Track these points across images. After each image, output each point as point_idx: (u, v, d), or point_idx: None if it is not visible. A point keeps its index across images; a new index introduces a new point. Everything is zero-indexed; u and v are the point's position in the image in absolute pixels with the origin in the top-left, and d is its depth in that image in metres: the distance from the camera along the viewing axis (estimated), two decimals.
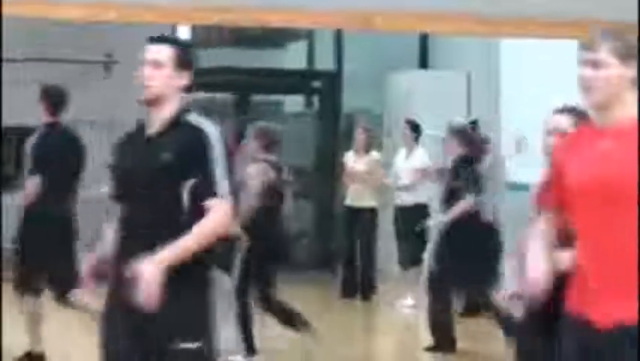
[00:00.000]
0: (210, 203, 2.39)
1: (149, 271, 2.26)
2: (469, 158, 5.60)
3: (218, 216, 2.44)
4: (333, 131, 8.71)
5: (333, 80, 9.37)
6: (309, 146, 9.14)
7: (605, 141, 2.11)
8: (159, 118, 2.56)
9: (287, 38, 9.51)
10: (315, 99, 9.87)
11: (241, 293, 5.06)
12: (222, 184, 2.44)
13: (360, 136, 7.24)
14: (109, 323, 2.52)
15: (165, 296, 2.31)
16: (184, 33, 7.99)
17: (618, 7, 4.38)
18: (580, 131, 2.47)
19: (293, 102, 10.04)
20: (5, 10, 4.32)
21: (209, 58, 8.58)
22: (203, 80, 9.01)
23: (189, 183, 2.42)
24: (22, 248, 4.86)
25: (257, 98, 9.71)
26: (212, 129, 2.54)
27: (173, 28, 7.15)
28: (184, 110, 2.60)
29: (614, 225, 2.06)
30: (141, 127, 2.65)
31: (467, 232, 5.51)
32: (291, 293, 5.99)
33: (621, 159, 2.09)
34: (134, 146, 2.63)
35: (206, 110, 6.79)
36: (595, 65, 2.10)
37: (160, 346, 2.40)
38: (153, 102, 2.56)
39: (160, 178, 2.47)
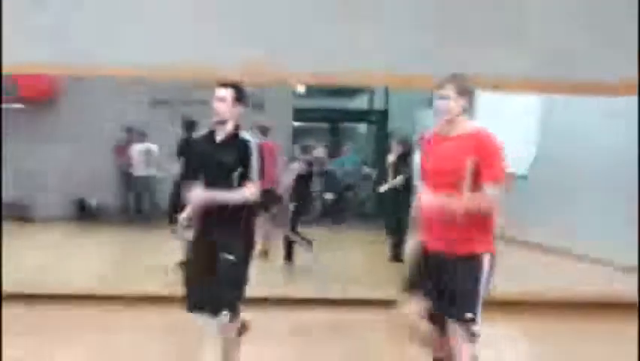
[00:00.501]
0: (247, 184, 3.83)
1: (200, 195, 3.85)
2: (405, 154, 8.37)
3: (249, 191, 3.83)
4: (383, 143, 12.08)
5: (383, 115, 13.24)
6: (371, 151, 13.62)
7: (447, 143, 3.29)
8: (224, 132, 3.89)
9: (357, 90, 13.49)
10: (374, 126, 13.89)
11: (292, 228, 7.88)
12: (254, 174, 3.83)
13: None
14: (194, 244, 4.00)
15: (223, 230, 3.81)
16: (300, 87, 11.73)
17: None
18: (435, 135, 3.44)
19: (362, 127, 14.81)
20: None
21: (314, 101, 13.09)
22: (311, 115, 14.07)
23: (238, 172, 3.84)
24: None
25: (342, 125, 14.69)
26: (253, 141, 3.90)
27: None
28: (238, 128, 3.90)
29: (450, 190, 3.19)
30: (211, 134, 3.97)
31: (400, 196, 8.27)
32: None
33: (454, 153, 3.24)
34: (208, 146, 3.96)
35: (312, 133, 10.99)
36: (441, 97, 3.28)
37: (217, 255, 3.82)
38: (220, 123, 3.88)
39: (224, 168, 3.84)
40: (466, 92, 3.31)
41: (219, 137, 3.93)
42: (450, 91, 3.28)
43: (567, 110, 9.25)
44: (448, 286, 3.26)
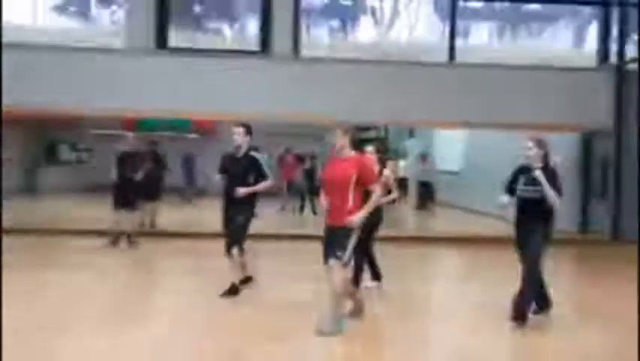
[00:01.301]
0: (262, 180, 7.08)
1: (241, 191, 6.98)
2: None
3: (265, 185, 7.11)
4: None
5: (384, 141, 24.33)
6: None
7: (339, 162, 5.88)
8: (240, 152, 7.17)
9: (370, 127, 24.26)
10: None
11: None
12: (266, 175, 7.12)
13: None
14: (225, 212, 7.32)
15: (240, 205, 7.05)
16: None
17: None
18: (333, 157, 5.90)
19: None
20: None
21: None
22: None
23: (254, 174, 7.07)
24: None
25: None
26: (259, 156, 7.24)
27: None
28: (250, 149, 7.19)
29: (337, 192, 5.85)
30: (234, 153, 7.23)
31: None
32: None
33: (343, 168, 5.81)
34: (233, 160, 7.21)
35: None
36: (336, 138, 5.84)
37: (235, 217, 7.11)
38: (237, 148, 7.19)
39: (244, 173, 7.06)
40: (346, 132, 5.89)
41: (238, 155, 7.24)
42: (338, 131, 5.91)
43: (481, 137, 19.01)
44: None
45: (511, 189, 6.52)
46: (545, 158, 6.47)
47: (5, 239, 11.18)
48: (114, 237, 11.11)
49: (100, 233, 11.49)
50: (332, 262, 5.83)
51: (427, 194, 20.22)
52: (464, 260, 11.77)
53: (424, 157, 20.74)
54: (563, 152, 14.91)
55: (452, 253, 12.46)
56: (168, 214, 14.28)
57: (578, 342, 6.20)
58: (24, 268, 8.99)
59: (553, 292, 6.86)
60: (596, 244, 13.13)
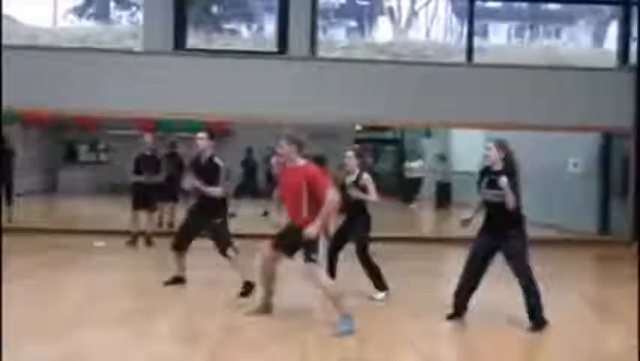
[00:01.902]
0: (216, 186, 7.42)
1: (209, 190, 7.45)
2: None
3: (212, 190, 7.43)
4: (402, 156, 23.33)
5: (400, 142, 24.39)
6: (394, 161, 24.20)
7: (293, 171, 6.15)
8: (204, 157, 7.68)
9: (386, 128, 24.36)
10: (393, 146, 25.01)
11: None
12: (218, 183, 7.45)
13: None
14: (190, 212, 7.83)
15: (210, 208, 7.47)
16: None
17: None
18: (286, 165, 6.20)
19: (390, 149, 25.36)
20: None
21: (365, 134, 23.49)
22: (363, 141, 24.76)
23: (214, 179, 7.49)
24: None
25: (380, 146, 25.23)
26: (220, 162, 7.57)
27: None
28: (212, 155, 7.65)
29: (293, 199, 6.14)
30: (198, 158, 7.68)
31: None
32: None
33: (293, 177, 6.10)
34: (198, 165, 7.67)
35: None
36: (281, 148, 6.16)
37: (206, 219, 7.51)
38: (200, 153, 7.75)
39: (206, 177, 7.48)
40: (296, 143, 6.09)
41: (202, 160, 7.63)
42: (284, 142, 6.11)
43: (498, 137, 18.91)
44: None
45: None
46: (506, 160, 6.37)
47: (24, 239, 11.32)
48: (132, 237, 11.20)
49: (119, 233, 11.58)
50: (308, 267, 6.06)
51: (445, 194, 20.20)
52: None
53: (442, 157, 20.69)
54: (583, 152, 14.85)
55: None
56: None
57: (597, 343, 6.16)
58: (42, 268, 9.08)
59: (572, 292, 6.83)
60: (616, 245, 13.01)
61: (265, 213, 14.54)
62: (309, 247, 6.04)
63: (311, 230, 5.92)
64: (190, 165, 7.92)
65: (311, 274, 6.10)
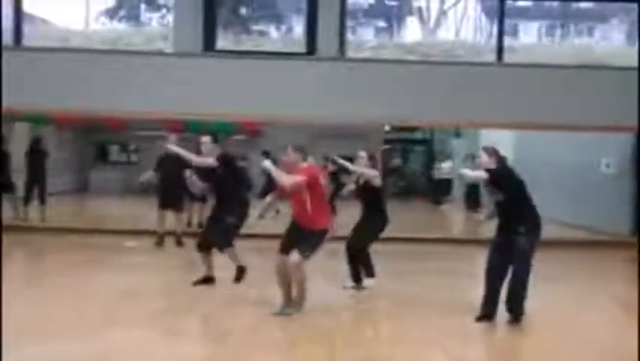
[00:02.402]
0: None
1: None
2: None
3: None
4: (431, 156, 23.31)
5: (430, 142, 24.35)
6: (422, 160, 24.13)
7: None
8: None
9: (416, 128, 24.36)
10: (423, 147, 25.02)
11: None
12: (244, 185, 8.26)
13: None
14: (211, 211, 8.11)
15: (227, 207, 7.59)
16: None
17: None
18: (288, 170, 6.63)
19: (420, 149, 25.25)
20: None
21: (394, 134, 23.58)
22: (392, 141, 24.85)
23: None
24: None
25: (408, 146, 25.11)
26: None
27: None
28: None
29: (297, 199, 6.59)
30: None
31: None
32: None
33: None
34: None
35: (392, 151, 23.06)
36: (288, 156, 6.72)
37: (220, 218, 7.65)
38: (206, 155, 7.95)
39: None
40: (299, 151, 6.65)
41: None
42: (290, 149, 6.70)
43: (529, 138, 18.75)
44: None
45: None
46: (497, 162, 6.63)
47: (56, 238, 11.48)
48: (159, 237, 11.24)
49: (149, 233, 11.67)
50: (298, 259, 6.40)
51: (474, 195, 20.03)
52: None
53: (474, 158, 20.50)
54: (615, 153, 14.63)
55: None
56: None
57: (626, 345, 6.07)
58: (74, 267, 9.20)
59: (603, 294, 6.70)
60: None
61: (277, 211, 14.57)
62: (304, 245, 6.42)
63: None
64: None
65: (297, 267, 6.42)
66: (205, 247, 7.87)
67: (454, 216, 19.84)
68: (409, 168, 26.25)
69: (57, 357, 5.33)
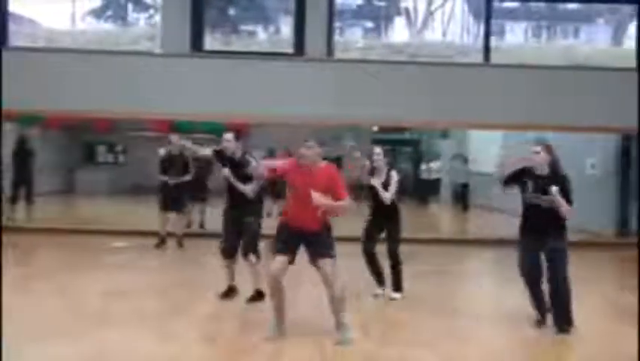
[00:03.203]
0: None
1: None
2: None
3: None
4: (419, 157, 23.35)
5: (417, 142, 24.40)
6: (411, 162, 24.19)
7: (314, 172, 5.72)
8: (236, 156, 7.40)
9: (404, 128, 24.43)
10: (410, 147, 24.99)
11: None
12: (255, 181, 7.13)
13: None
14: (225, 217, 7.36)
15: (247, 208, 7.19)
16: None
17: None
18: (297, 163, 5.79)
19: (407, 150, 25.29)
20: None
21: (382, 135, 23.60)
22: (381, 142, 24.76)
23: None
24: None
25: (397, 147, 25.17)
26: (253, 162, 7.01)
27: None
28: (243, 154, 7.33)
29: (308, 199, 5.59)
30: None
31: None
32: None
33: (315, 178, 5.67)
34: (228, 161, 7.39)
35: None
36: (308, 148, 5.71)
37: (242, 220, 7.26)
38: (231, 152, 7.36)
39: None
40: (321, 145, 5.85)
41: (235, 158, 7.34)
42: (312, 143, 5.81)
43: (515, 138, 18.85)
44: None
45: (511, 182, 6.42)
46: (554, 164, 6.19)
47: (43, 239, 11.42)
48: (160, 239, 11.18)
49: (136, 233, 11.63)
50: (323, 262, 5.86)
51: (462, 195, 20.15)
52: (501, 261, 11.66)
53: (463, 158, 20.60)
54: (601, 153, 14.74)
55: (490, 254, 12.36)
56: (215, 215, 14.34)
57: (619, 344, 6.12)
58: (62, 268, 9.16)
59: (592, 295, 6.73)
60: (634, 247, 12.87)
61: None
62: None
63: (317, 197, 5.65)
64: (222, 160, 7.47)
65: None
66: (230, 254, 7.52)
67: (442, 216, 19.89)
68: (397, 169, 26.38)
69: (46, 358, 5.31)
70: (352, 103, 12.44)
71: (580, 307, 7.22)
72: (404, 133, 25.11)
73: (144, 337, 5.98)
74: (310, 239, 5.89)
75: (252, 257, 7.33)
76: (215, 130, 21.51)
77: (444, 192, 21.84)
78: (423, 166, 22.09)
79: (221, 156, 7.46)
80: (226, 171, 7.31)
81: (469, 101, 12.62)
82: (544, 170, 6.20)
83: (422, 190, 22.19)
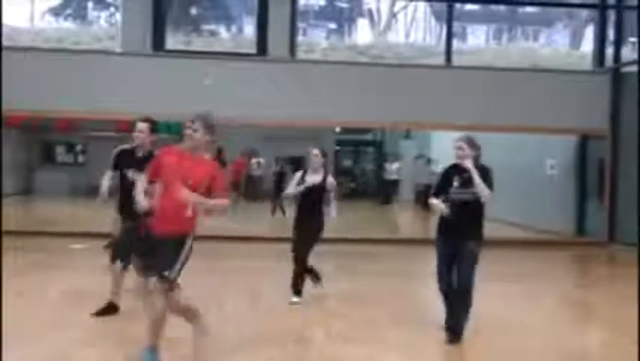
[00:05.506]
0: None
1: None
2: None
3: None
4: (381, 157, 23.42)
5: (380, 143, 24.47)
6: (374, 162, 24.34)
7: (188, 161, 4.62)
8: (142, 150, 6.43)
9: (367, 130, 24.46)
10: (373, 148, 25.08)
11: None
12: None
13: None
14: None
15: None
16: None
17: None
18: (177, 150, 4.78)
19: (370, 150, 25.39)
20: None
21: (345, 136, 23.68)
22: (344, 142, 24.99)
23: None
24: None
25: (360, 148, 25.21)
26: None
27: None
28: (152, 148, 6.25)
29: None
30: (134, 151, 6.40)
31: None
32: None
33: (197, 171, 4.59)
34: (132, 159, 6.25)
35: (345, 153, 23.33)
36: (194, 130, 4.52)
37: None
38: (139, 145, 6.35)
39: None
40: (209, 128, 4.68)
41: (139, 154, 6.36)
42: (197, 125, 4.63)
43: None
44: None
45: (442, 192, 6.10)
46: (477, 159, 6.03)
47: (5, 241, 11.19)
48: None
49: (93, 235, 11.44)
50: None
51: (423, 196, 20.23)
52: None
53: (425, 159, 20.69)
54: (559, 154, 14.98)
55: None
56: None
57: (578, 342, 6.20)
58: (20, 270, 8.99)
59: (551, 295, 6.74)
60: (592, 246, 13.14)
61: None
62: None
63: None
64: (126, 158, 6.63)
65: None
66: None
67: (403, 216, 19.99)
68: (359, 169, 26.39)
69: (7, 359, 5.20)
70: (315, 104, 12.46)
71: (535, 303, 7.36)
72: (367, 134, 25.24)
73: (105, 339, 5.88)
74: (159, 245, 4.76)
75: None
76: (174, 130, 21.31)
77: (406, 193, 21.96)
78: (385, 167, 22.18)
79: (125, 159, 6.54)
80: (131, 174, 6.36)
81: (431, 102, 12.73)
82: (468, 164, 5.97)
83: (383, 191, 22.29)
